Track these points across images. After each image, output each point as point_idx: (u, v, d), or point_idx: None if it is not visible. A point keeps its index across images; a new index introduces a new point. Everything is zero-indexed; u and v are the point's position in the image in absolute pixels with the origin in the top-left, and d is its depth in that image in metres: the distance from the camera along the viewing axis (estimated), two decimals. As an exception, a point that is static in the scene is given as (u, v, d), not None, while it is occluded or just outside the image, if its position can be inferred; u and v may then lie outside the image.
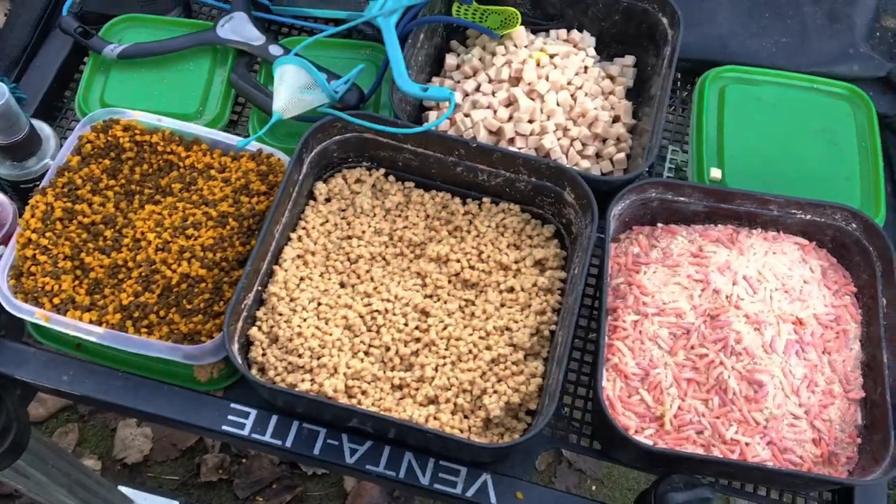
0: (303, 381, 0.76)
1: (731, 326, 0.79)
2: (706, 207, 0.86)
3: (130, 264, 0.79)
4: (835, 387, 0.79)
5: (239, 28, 0.95)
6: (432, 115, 0.94)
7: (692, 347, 0.80)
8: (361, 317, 0.80)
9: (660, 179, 0.84)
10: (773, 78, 0.97)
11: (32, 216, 0.80)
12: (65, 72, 1.01)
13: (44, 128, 0.87)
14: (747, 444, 0.76)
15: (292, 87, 0.85)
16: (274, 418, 0.79)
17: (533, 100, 0.92)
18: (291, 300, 0.80)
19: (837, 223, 0.84)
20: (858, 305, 0.84)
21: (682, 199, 0.86)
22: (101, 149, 0.85)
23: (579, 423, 0.84)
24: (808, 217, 0.85)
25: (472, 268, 0.84)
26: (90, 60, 0.96)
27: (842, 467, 0.77)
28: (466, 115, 0.93)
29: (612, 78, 1.00)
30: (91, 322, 0.76)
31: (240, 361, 0.72)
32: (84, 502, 1.13)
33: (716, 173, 0.90)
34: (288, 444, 0.78)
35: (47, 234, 0.79)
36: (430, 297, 0.83)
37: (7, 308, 0.77)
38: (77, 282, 0.79)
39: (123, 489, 1.42)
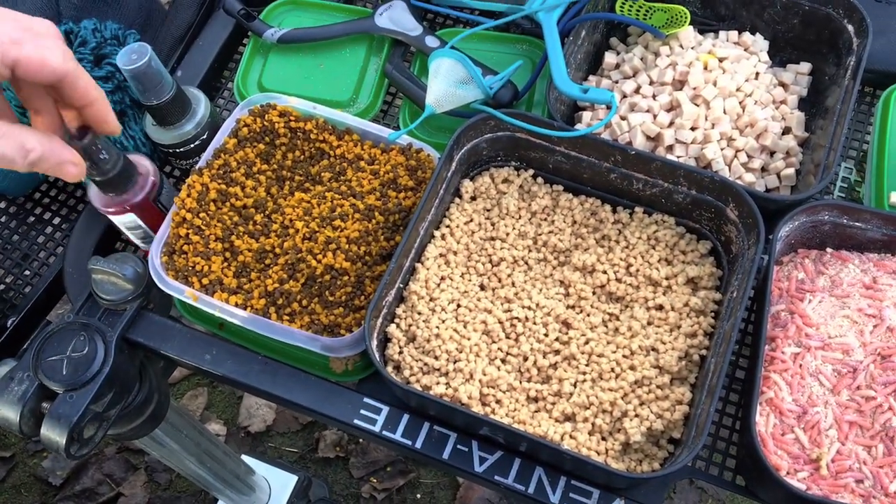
0: (438, 384, 0.74)
1: (906, 370, 0.72)
2: (885, 235, 0.79)
3: (278, 251, 0.80)
4: None
5: (397, 17, 0.94)
6: (586, 115, 0.90)
7: (858, 388, 0.73)
8: (500, 323, 0.78)
9: (835, 202, 0.78)
10: (971, 95, 0.87)
11: (188, 195, 0.82)
12: (225, 53, 1.02)
13: (192, 91, 0.88)
14: (916, 503, 0.69)
15: (447, 81, 0.83)
16: (405, 417, 0.78)
17: (697, 105, 0.87)
18: (431, 300, 0.78)
19: None
20: None
21: (858, 224, 0.79)
22: (257, 133, 0.86)
23: (722, 455, 0.79)
24: None
25: (619, 280, 0.80)
26: (250, 43, 0.98)
27: None
28: (623, 118, 0.88)
29: (784, 86, 0.93)
30: (237, 305, 0.77)
31: (378, 358, 0.71)
32: (211, 471, 1.17)
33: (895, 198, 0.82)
34: (418, 445, 0.77)
35: (201, 215, 0.81)
36: (573, 307, 0.79)
37: (159, 285, 0.79)
38: (226, 264, 0.80)
39: (246, 458, 1.47)
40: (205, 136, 0.88)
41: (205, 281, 0.78)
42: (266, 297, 0.77)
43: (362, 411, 0.78)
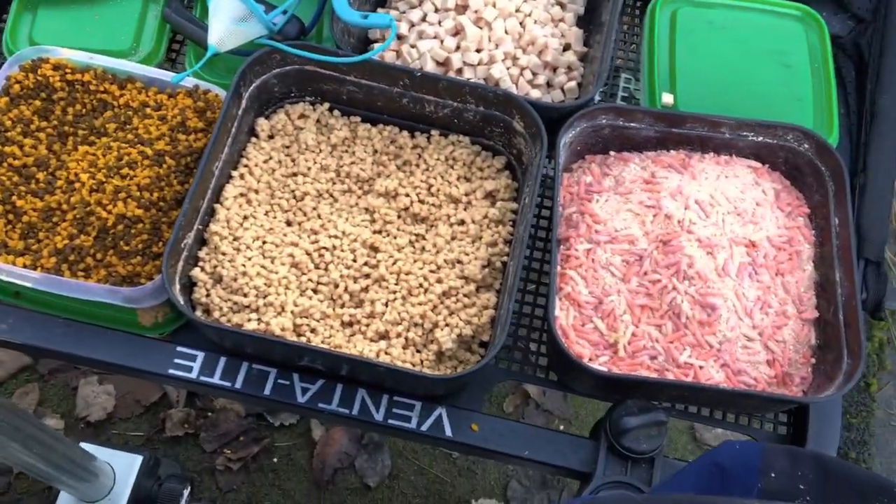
0: (249, 320, 0.74)
1: (683, 251, 0.78)
2: (658, 133, 0.85)
3: (65, 207, 0.76)
4: (788, 308, 0.79)
5: (172, -41, 0.90)
6: (377, 46, 0.91)
7: (645, 274, 0.79)
8: (308, 254, 0.78)
9: (610, 104, 0.83)
10: (725, 0, 0.95)
11: (-42, 160, 0.76)
12: (-9, 12, 0.96)
13: None
14: (701, 368, 0.76)
15: (228, 19, 0.82)
16: (222, 360, 0.77)
17: (480, 28, 0.90)
18: (235, 239, 0.77)
19: (790, 144, 0.83)
20: (812, 227, 0.83)
21: (633, 124, 0.84)
22: (30, 89, 0.82)
23: (535, 355, 0.83)
24: (760, 139, 0.84)
25: (421, 202, 0.82)
26: (16, -2, 0.92)
27: (796, 388, 0.77)
28: (413, 47, 0.90)
29: (562, 5, 0.97)
30: (25, 266, 0.73)
31: (181, 302, 0.70)
32: (42, 457, 1.11)
33: (668, 98, 0.89)
34: (237, 385, 0.76)
35: (-25, 180, 0.76)
36: (379, 232, 0.81)
37: (-65, 257, 0.74)
38: (10, 226, 0.75)
39: (85, 445, 1.40)
40: (-28, 99, 0.82)
41: (-14, 247, 0.74)
42: (56, 255, 0.74)
43: (176, 360, 0.77)
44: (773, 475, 0.56)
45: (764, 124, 0.82)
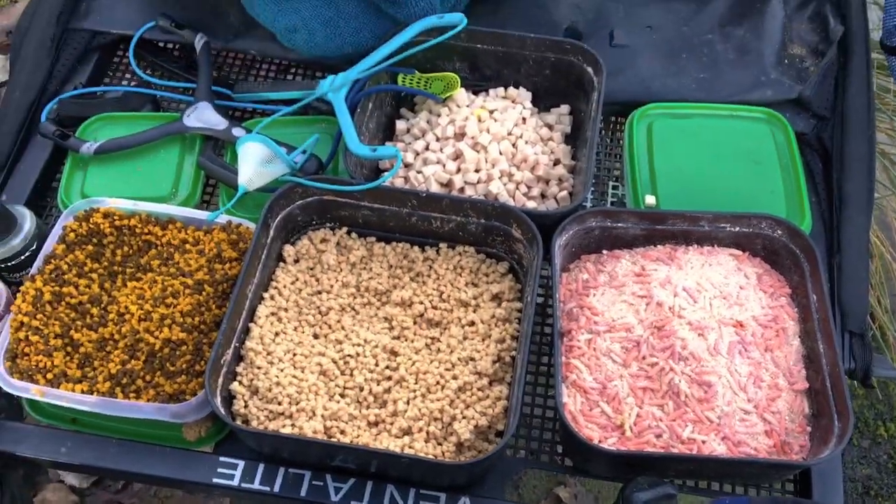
0: (283, 426, 0.81)
1: (676, 335, 0.85)
2: (644, 230, 0.94)
3: (117, 336, 0.85)
4: (780, 381, 0.85)
5: (203, 116, 1.03)
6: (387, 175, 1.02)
7: (643, 358, 0.86)
8: (335, 362, 0.86)
9: (598, 208, 0.92)
10: (695, 110, 1.06)
11: (23, 301, 0.86)
12: (47, 173, 1.08)
13: (17, 208, 0.94)
14: (703, 442, 0.81)
15: (254, 162, 0.93)
16: (261, 467, 0.84)
17: (477, 151, 1.01)
18: (268, 353, 0.86)
19: (765, 231, 0.92)
20: (794, 305, 0.90)
21: (620, 224, 0.93)
22: (83, 236, 0.92)
23: (550, 444, 0.89)
24: (738, 229, 0.92)
25: (434, 308, 0.91)
26: (69, 159, 1.04)
27: (795, 455, 0.82)
28: (419, 172, 1.01)
29: (550, 126, 1.08)
30: (83, 392, 0.82)
31: (222, 411, 0.78)
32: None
33: (651, 199, 0.98)
34: (276, 489, 0.83)
35: (38, 317, 0.86)
36: (398, 338, 0.89)
37: (4, 387, 0.83)
38: (68, 357, 0.84)
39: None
40: (34, 248, 0.93)
41: (49, 376, 0.83)
42: (110, 379, 0.82)
43: (219, 469, 0.84)
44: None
45: (739, 215, 0.91)
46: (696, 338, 0.86)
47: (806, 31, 1.10)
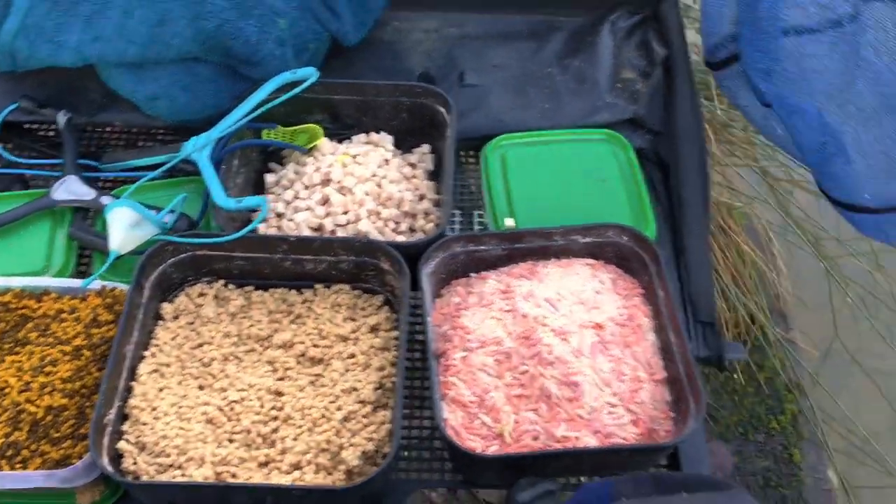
0: (174, 477, 0.83)
1: (542, 342, 0.91)
2: (505, 250, 1.00)
3: (-2, 411, 0.85)
4: (640, 373, 0.92)
5: (71, 188, 1.05)
6: (261, 227, 1.06)
7: (515, 367, 0.91)
8: (220, 409, 0.88)
9: (460, 234, 0.98)
10: (542, 137, 1.14)
11: None
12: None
13: None
14: (577, 438, 0.87)
15: (124, 226, 0.96)
16: (157, 522, 0.85)
17: (344, 195, 1.06)
18: (153, 409, 0.87)
19: (613, 239, 1.00)
20: (646, 303, 0.98)
21: (483, 247, 0.99)
22: (-46, 318, 0.92)
23: (440, 461, 0.93)
24: (589, 240, 1.00)
25: (315, 346, 0.94)
26: (-64, 245, 1.04)
27: (661, 440, 0.89)
28: (290, 220, 1.05)
29: (413, 165, 1.15)
30: (-35, 470, 0.81)
31: (109, 469, 0.79)
32: None
33: (509, 222, 1.05)
34: (173, 541, 0.84)
35: (-88, 402, 0.85)
36: (282, 379, 0.92)
37: None
38: (-54, 439, 0.84)
39: None
40: None
41: (-73, 459, 0.82)
42: (-7, 454, 0.82)
43: (114, 531, 0.84)
44: (623, 499, 0.67)
45: (588, 227, 0.99)
46: (560, 343, 0.92)
47: (634, 57, 1.21)
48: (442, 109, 1.12)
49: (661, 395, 0.91)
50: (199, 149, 1.03)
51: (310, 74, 1.05)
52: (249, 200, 0.95)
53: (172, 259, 0.95)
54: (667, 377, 0.92)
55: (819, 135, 1.08)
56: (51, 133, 1.22)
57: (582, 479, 0.92)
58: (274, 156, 1.17)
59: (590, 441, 0.87)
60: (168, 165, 1.05)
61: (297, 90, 1.04)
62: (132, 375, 0.90)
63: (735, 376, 2.06)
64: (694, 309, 1.02)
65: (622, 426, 0.88)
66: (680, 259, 1.06)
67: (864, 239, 2.19)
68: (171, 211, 1.00)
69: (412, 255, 0.95)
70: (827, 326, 2.24)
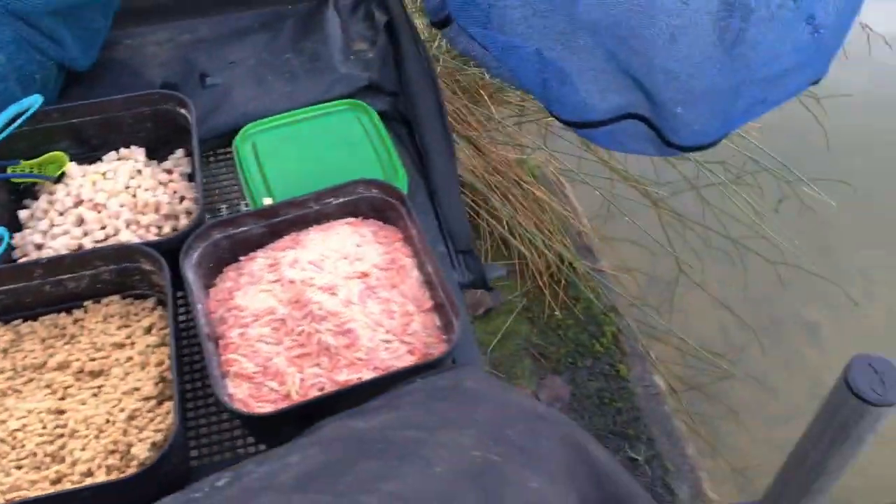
0: (-39, 516, 0.81)
1: (312, 301, 0.96)
2: (265, 227, 1.04)
3: None
4: (409, 307, 0.98)
5: None
6: (22, 261, 1.04)
7: (292, 330, 0.95)
8: (2, 440, 0.87)
9: (216, 220, 1.01)
10: (287, 119, 1.19)
11: None
12: None
13: None
14: (359, 378, 0.92)
15: None
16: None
17: (98, 211, 1.06)
18: (-73, 457, 0.85)
19: (364, 194, 1.06)
20: (407, 245, 1.05)
21: (243, 228, 1.03)
22: None
23: (243, 439, 0.96)
24: (342, 199, 1.06)
25: (92, 360, 0.95)
26: None
27: (437, 360, 0.96)
28: (48, 249, 1.05)
29: (169, 171, 1.17)
30: None
31: None
32: None
33: (268, 201, 1.09)
34: (-23, 582, 0.82)
35: None
36: (63, 398, 0.92)
37: None
38: None
39: None
40: None
41: None
42: None
43: None
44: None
45: (337, 187, 1.05)
46: (329, 297, 0.97)
47: (363, 29, 1.29)
48: (183, 111, 1.14)
49: (431, 322, 0.98)
50: (-68, 196, 1.01)
51: (33, 102, 1.05)
52: (-13, 232, 0.95)
53: (-78, 309, 0.93)
54: (433, 305, 0.99)
55: (534, 63, 1.19)
56: None
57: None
58: (26, 193, 1.15)
59: (368, 377, 0.92)
60: None
61: (22, 119, 1.04)
62: None
63: (556, 314, 2.20)
64: (454, 241, 1.09)
65: (399, 357, 0.94)
66: (434, 200, 1.14)
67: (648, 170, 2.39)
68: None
69: (173, 250, 0.98)
70: (643, 252, 2.42)
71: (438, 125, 1.18)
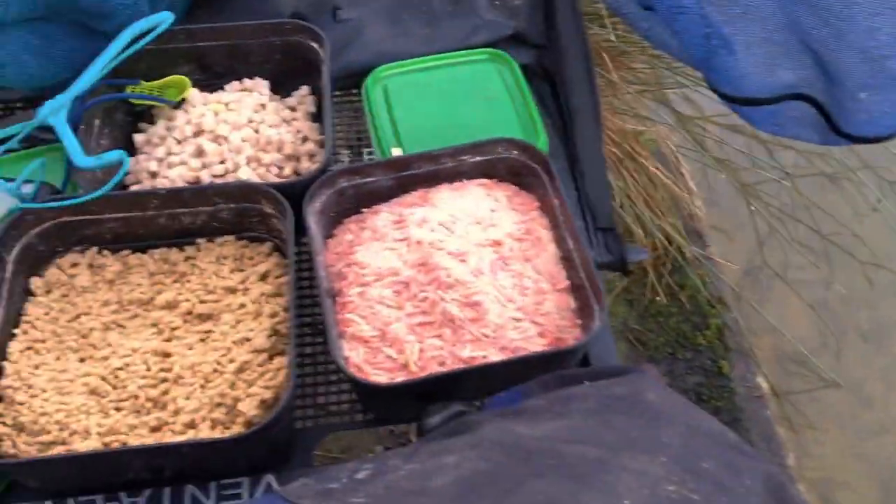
0: (56, 453, 0.77)
1: (439, 266, 0.88)
2: (394, 179, 0.96)
3: None
4: (542, 284, 0.89)
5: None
6: (135, 188, 0.99)
7: (415, 296, 0.87)
8: (103, 378, 0.82)
9: (343, 167, 0.94)
10: (423, 63, 1.10)
11: None
12: None
13: None
14: (484, 357, 0.84)
15: (-23, 200, 0.88)
16: (47, 505, 0.79)
17: (219, 144, 1.00)
18: (28, 387, 0.81)
19: (503, 155, 0.96)
20: (544, 215, 0.95)
21: (370, 179, 0.95)
22: None
23: (349, 403, 0.89)
24: (479, 158, 0.96)
25: (202, 302, 0.89)
26: None
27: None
28: (164, 178, 0.99)
29: (292, 108, 1.09)
30: None
31: (-18, 454, 0.72)
32: None
33: (396, 151, 1.01)
34: (66, 523, 0.78)
35: None
36: (169, 339, 0.86)
37: None
38: None
39: None
40: None
41: None
42: None
43: (-2, 521, 0.78)
44: (531, 399, 0.63)
45: (476, 144, 0.95)
46: (458, 264, 0.88)
47: (511, -26, 1.17)
48: (315, 45, 1.06)
49: (565, 303, 0.89)
50: (55, 111, 0.95)
51: (164, 19, 0.98)
52: (109, 156, 0.89)
53: (36, 230, 0.88)
54: (570, 285, 0.90)
55: (702, 27, 1.07)
56: None
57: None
58: (143, 117, 1.10)
59: (497, 358, 0.84)
60: (22, 134, 0.97)
61: (151, 35, 0.98)
62: (2, 355, 0.83)
63: (658, 299, 2.08)
64: (593, 216, 0.99)
65: (529, 339, 0.86)
66: (574, 169, 1.04)
67: (773, 155, 2.23)
68: (30, 181, 0.92)
69: (296, 195, 0.90)
70: (743, 243, 2.27)
71: (587, 86, 1.07)
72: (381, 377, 0.84)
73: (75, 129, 0.95)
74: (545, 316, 0.87)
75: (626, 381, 0.59)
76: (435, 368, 0.84)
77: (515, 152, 0.96)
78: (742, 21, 1.06)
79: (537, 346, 0.85)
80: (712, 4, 1.05)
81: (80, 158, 0.88)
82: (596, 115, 1.06)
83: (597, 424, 0.53)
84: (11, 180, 0.93)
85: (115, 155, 0.88)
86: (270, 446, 0.80)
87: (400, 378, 0.84)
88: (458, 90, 1.07)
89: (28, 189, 0.92)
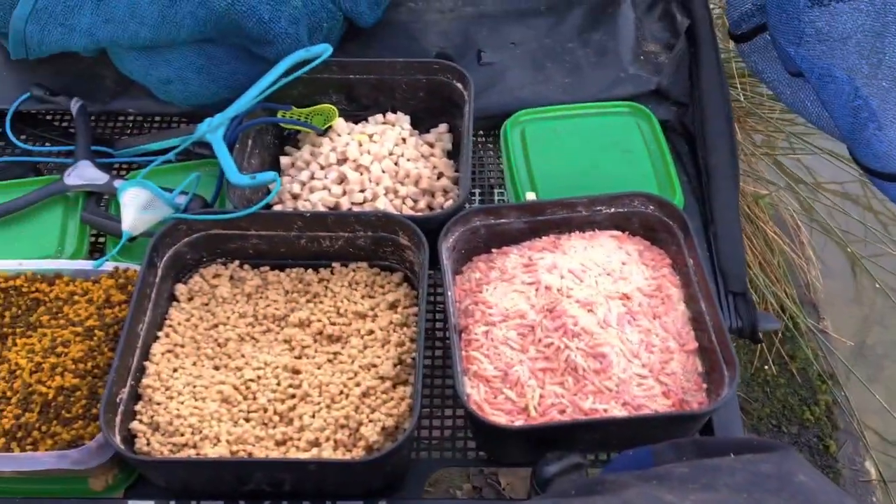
0: (189, 456, 0.80)
1: (567, 314, 0.88)
2: (526, 223, 0.97)
3: (9, 393, 0.83)
4: (670, 343, 0.88)
5: (84, 174, 1.04)
6: (277, 207, 1.03)
7: (539, 340, 0.88)
8: (236, 388, 0.85)
9: (479, 207, 0.95)
10: (563, 111, 1.11)
11: None
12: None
13: None
14: (605, 410, 0.83)
15: (136, 207, 0.94)
16: (173, 504, 0.82)
17: (360, 173, 1.03)
18: (166, 389, 0.85)
19: (638, 209, 0.96)
20: (675, 273, 0.94)
21: (503, 220, 0.96)
22: (-34, 303, 0.91)
23: (463, 440, 0.90)
24: (613, 210, 0.97)
25: (332, 323, 0.92)
26: (-52, 231, 1.03)
27: (695, 411, 0.85)
28: (306, 201, 1.03)
29: (431, 144, 1.12)
30: (-24, 452, 0.79)
31: (121, 446, 0.76)
32: None
33: (531, 196, 1.02)
34: (189, 524, 0.81)
35: (-76, 385, 0.83)
36: (299, 357, 0.89)
37: None
38: (-42, 422, 0.82)
39: None
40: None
41: (-62, 441, 0.80)
42: (4, 435, 0.80)
43: (128, 513, 0.82)
44: (667, 464, 0.63)
45: (612, 196, 0.96)
46: (585, 314, 0.88)
47: (657, 29, 1.18)
48: (459, 85, 1.09)
49: (692, 365, 0.88)
50: (213, 129, 1.01)
51: (323, 51, 1.03)
52: (263, 176, 0.93)
53: (186, 239, 0.93)
54: (698, 347, 0.88)
55: (851, 100, 1.05)
56: (65, 123, 1.21)
57: (611, 455, 0.88)
58: (289, 140, 1.15)
59: (618, 413, 0.83)
60: (182, 146, 1.03)
61: (310, 66, 1.02)
62: (145, 355, 0.87)
63: (766, 367, 2.01)
64: (725, 279, 0.98)
65: (652, 397, 0.85)
66: (709, 230, 1.03)
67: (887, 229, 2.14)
68: (185, 192, 0.98)
69: (431, 229, 0.92)
70: (856, 318, 2.18)
71: (727, 146, 1.06)
72: (500, 418, 0.84)
73: (230, 148, 1.00)
74: (671, 376, 0.86)
75: (773, 458, 0.58)
76: (555, 416, 0.84)
77: (652, 207, 0.96)
78: (892, 95, 1.04)
79: (660, 405, 0.84)
80: (863, 77, 1.03)
81: (236, 176, 0.93)
82: (734, 176, 1.04)
83: (746, 502, 0.52)
84: (169, 190, 0.98)
85: (270, 176, 0.93)
86: (389, 473, 0.81)
87: (519, 421, 0.84)
88: (596, 141, 1.08)
89: (181, 200, 0.97)
